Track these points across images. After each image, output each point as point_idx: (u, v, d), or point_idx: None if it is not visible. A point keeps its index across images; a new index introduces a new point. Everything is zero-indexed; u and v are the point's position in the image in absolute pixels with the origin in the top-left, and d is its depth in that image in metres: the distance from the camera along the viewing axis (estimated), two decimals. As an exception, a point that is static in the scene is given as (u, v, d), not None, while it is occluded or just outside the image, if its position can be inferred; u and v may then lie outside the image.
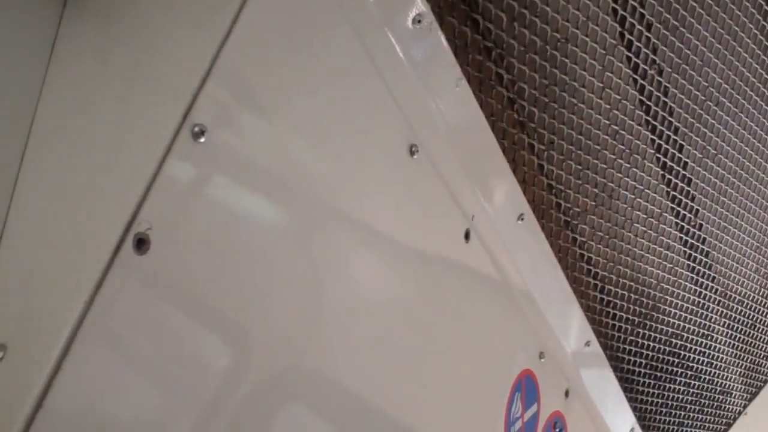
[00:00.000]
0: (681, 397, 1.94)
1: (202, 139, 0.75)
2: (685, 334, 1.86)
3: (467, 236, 1.19)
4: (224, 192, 0.79)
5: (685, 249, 1.75)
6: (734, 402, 2.21)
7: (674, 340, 1.83)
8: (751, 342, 2.16)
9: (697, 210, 1.73)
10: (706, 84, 1.59)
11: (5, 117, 0.87)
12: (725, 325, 2.01)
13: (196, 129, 0.75)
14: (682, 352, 1.88)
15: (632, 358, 1.71)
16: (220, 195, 0.79)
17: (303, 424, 0.92)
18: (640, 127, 1.50)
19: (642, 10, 1.40)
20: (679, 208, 1.68)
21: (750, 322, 2.11)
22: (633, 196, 1.54)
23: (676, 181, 1.64)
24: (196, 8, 0.81)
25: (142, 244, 0.71)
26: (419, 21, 1.05)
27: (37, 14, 0.91)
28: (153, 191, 0.72)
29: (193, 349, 0.79)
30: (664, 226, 1.65)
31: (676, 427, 1.98)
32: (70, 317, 0.68)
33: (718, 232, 1.82)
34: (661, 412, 1.90)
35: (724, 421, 2.20)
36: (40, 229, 0.82)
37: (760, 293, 2.10)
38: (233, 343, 0.83)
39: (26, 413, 0.66)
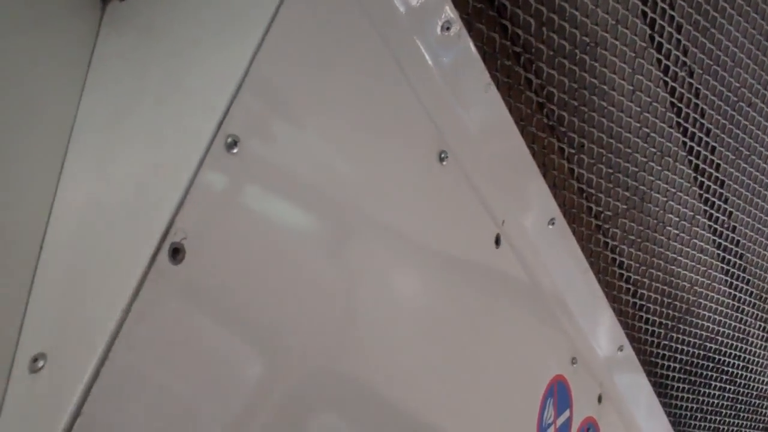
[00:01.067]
0: (716, 402, 1.92)
1: (236, 150, 0.76)
2: (720, 338, 1.84)
3: (497, 241, 1.19)
4: (257, 201, 0.80)
5: (719, 251, 1.73)
6: (771, 406, 2.18)
7: (708, 344, 1.81)
8: (788, 345, 2.13)
9: (731, 212, 1.71)
10: (738, 85, 1.57)
11: (45, 129, 0.89)
12: (760, 328, 1.98)
13: (230, 139, 0.76)
14: (717, 356, 1.86)
15: (666, 363, 1.70)
16: (253, 204, 0.80)
17: (329, 427, 0.93)
18: (671, 130, 1.49)
19: (672, 12, 1.40)
20: (712, 210, 1.66)
21: (786, 324, 2.08)
22: (665, 199, 1.52)
23: (709, 183, 1.62)
24: (229, 22, 0.83)
25: (177, 253, 0.72)
26: (448, 28, 1.05)
27: (74, 30, 0.93)
28: (188, 201, 0.73)
29: (227, 357, 0.79)
30: (697, 229, 1.64)
31: (711, 432, 1.96)
32: (108, 326, 0.69)
33: (751, 233, 1.79)
34: (696, 417, 1.88)
35: (761, 426, 2.17)
36: (79, 238, 0.83)
37: (796, 295, 2.07)
38: (268, 351, 0.83)
39: (65, 421, 0.67)
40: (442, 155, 1.07)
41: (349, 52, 0.90)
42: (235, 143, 0.76)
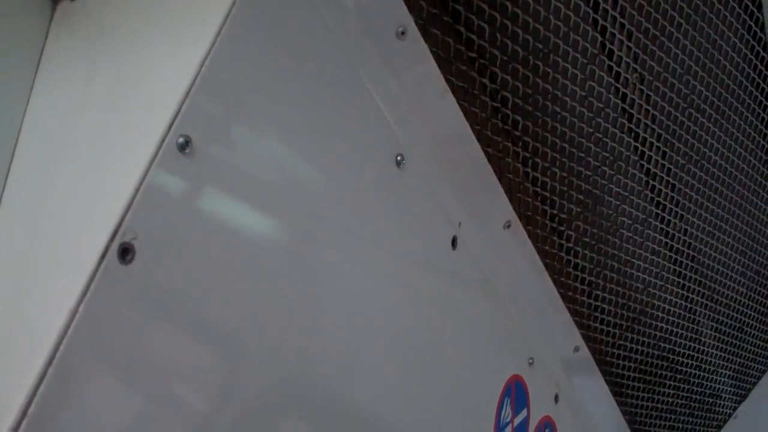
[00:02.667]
0: (671, 400, 1.96)
1: (188, 150, 0.77)
2: (674, 338, 1.88)
3: (454, 244, 1.21)
4: (211, 202, 0.81)
5: (671, 254, 1.78)
6: (724, 405, 2.22)
7: (663, 344, 1.85)
8: (739, 345, 2.18)
9: (682, 215, 1.75)
10: (687, 92, 1.62)
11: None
12: (713, 329, 2.03)
13: (181, 140, 0.76)
14: (671, 356, 1.90)
15: (621, 363, 1.73)
16: (207, 206, 0.80)
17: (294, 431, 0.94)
18: (623, 135, 1.52)
19: (623, 20, 1.43)
20: (663, 214, 1.70)
21: (737, 325, 2.14)
22: (618, 203, 1.56)
23: (660, 187, 1.66)
24: (181, 22, 0.83)
25: (126, 253, 0.72)
26: (403, 33, 1.07)
27: (24, 30, 0.93)
28: (138, 202, 0.73)
29: (180, 360, 0.80)
30: (649, 232, 1.68)
31: (666, 430, 2.00)
32: (55, 326, 0.69)
33: (702, 236, 1.84)
34: (652, 416, 1.91)
35: (715, 423, 2.22)
36: (26, 238, 0.83)
37: (747, 296, 2.12)
38: (220, 351, 0.84)
39: (10, 424, 0.66)
40: (399, 158, 1.09)
41: (305, 55, 0.91)
42: (187, 144, 0.77)
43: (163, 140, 0.75)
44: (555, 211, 1.46)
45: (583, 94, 1.41)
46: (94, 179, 0.79)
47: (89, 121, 0.86)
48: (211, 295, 0.81)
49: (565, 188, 1.45)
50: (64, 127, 0.88)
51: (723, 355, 2.13)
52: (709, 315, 1.99)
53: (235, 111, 0.82)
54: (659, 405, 1.92)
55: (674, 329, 1.86)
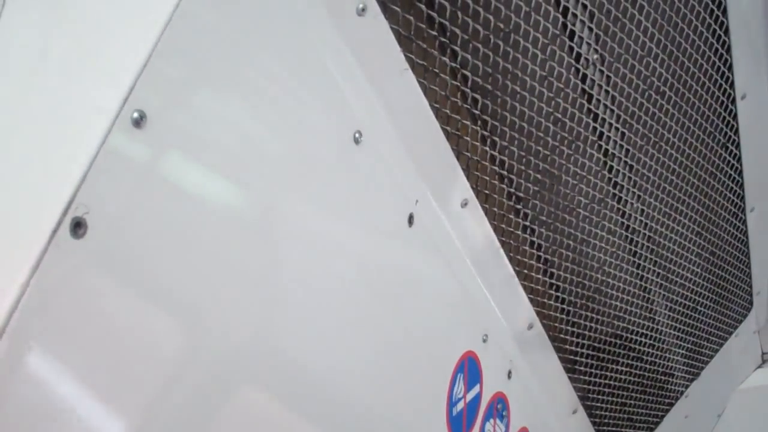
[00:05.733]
0: (623, 378, 2.00)
1: (143, 124, 0.76)
2: (628, 317, 1.91)
3: (410, 221, 1.22)
4: (166, 176, 0.80)
5: (627, 234, 1.80)
6: (676, 383, 2.27)
7: (617, 323, 1.88)
8: (693, 325, 2.23)
9: (639, 195, 1.78)
10: (647, 74, 1.63)
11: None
12: (667, 308, 2.07)
13: (136, 114, 0.76)
14: (625, 334, 1.93)
15: (575, 340, 1.76)
16: (162, 180, 0.80)
17: (248, 401, 0.95)
18: (582, 115, 1.54)
19: (584, 1, 1.44)
20: (621, 194, 1.72)
21: (692, 305, 2.18)
22: (575, 182, 1.58)
23: (618, 168, 1.68)
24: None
25: (79, 227, 0.72)
26: (363, 9, 1.07)
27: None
28: (91, 176, 0.72)
29: (136, 333, 0.80)
30: (606, 212, 1.70)
31: (619, 407, 2.04)
32: (6, 300, 0.69)
33: (659, 217, 1.87)
34: (604, 393, 1.95)
35: (666, 401, 2.27)
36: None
37: (702, 277, 2.17)
38: (176, 323, 0.84)
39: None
40: (357, 135, 1.09)
41: (264, 31, 0.91)
42: (142, 117, 0.76)
43: (117, 114, 0.74)
44: (513, 190, 1.47)
45: (544, 74, 1.42)
46: (47, 153, 0.78)
47: (43, 95, 0.84)
48: (166, 268, 0.81)
49: (523, 167, 1.46)
50: (17, 100, 0.86)
51: (676, 334, 2.17)
52: (664, 295, 2.03)
53: (192, 85, 0.82)
54: (612, 382, 1.96)
55: (629, 308, 1.90)
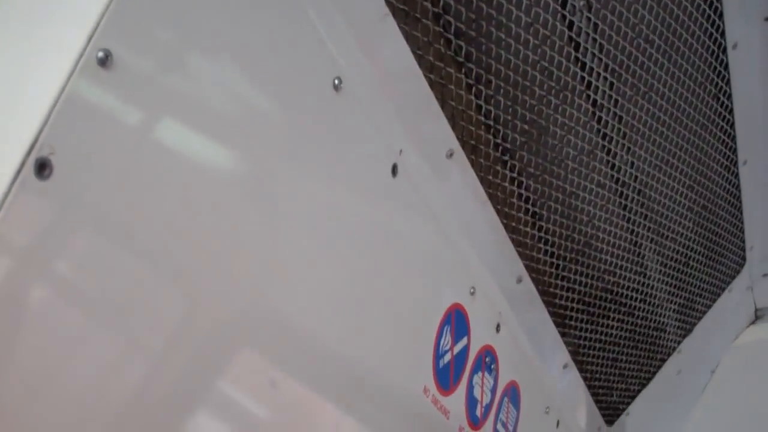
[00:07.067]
0: (615, 333, 1.99)
1: (109, 64, 0.74)
2: (619, 271, 1.90)
3: (394, 171, 1.20)
4: (133, 119, 0.78)
5: (617, 186, 1.78)
6: (668, 338, 2.27)
7: (607, 277, 1.87)
8: (685, 279, 2.22)
9: (629, 147, 1.75)
10: (636, 21, 1.60)
11: None
12: (658, 262, 2.06)
13: (101, 54, 0.73)
14: (616, 289, 1.92)
15: (565, 294, 1.75)
16: (127, 121, 0.78)
17: (234, 352, 0.94)
18: (569, 64, 1.51)
19: (571, -55, 1.40)
20: (610, 146, 1.70)
21: (683, 259, 2.17)
22: (563, 133, 1.55)
23: (607, 118, 1.65)
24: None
25: (43, 168, 0.70)
26: (342, -48, 1.04)
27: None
28: (55, 116, 0.71)
29: (99, 275, 0.78)
30: (595, 164, 1.68)
31: (610, 362, 2.04)
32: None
33: (649, 169, 1.85)
34: (595, 347, 1.95)
35: (659, 357, 2.27)
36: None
37: (693, 231, 2.15)
38: (143, 271, 0.82)
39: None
40: (337, 82, 1.06)
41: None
42: (107, 57, 0.74)
43: (81, 54, 0.72)
44: (499, 141, 1.45)
45: (529, 20, 1.38)
46: (11, 93, 0.76)
47: (9, 33, 0.82)
48: (132, 212, 0.79)
49: (509, 117, 1.44)
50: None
51: (668, 289, 2.16)
52: (655, 249, 2.01)
53: (162, 24, 0.79)
54: (603, 337, 1.95)
55: (619, 262, 1.89)
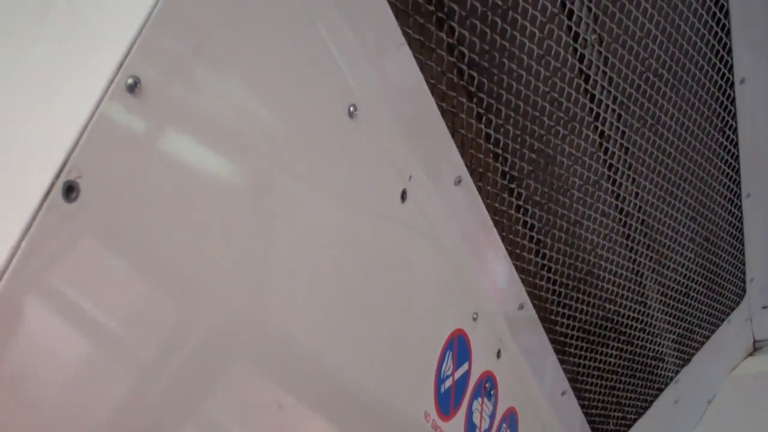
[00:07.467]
0: (613, 361, 2.00)
1: (138, 90, 0.76)
2: (620, 300, 1.91)
3: (403, 197, 1.21)
4: (159, 144, 0.80)
5: (621, 216, 1.80)
6: (666, 368, 2.28)
7: (608, 305, 1.88)
8: (685, 310, 2.23)
9: (634, 178, 1.77)
10: (646, 55, 1.62)
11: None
12: (659, 292, 2.07)
13: (131, 80, 0.75)
14: (616, 318, 1.93)
15: (566, 322, 1.76)
16: (154, 147, 0.80)
17: (238, 374, 0.95)
18: (578, 96, 1.53)
19: (584, -20, 1.43)
20: (615, 176, 1.71)
21: (684, 290, 2.18)
22: (570, 163, 1.57)
23: (613, 149, 1.67)
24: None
25: (71, 191, 0.72)
26: (361, -16, 1.06)
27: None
28: (84, 140, 0.72)
29: (124, 298, 0.79)
30: (600, 193, 1.69)
31: (608, 391, 2.04)
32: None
33: (653, 200, 1.86)
34: (593, 375, 1.95)
35: (656, 386, 2.27)
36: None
37: (694, 262, 2.16)
38: (166, 292, 0.84)
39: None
40: (352, 109, 1.08)
41: (264, 1, 0.90)
42: (136, 84, 0.76)
43: (112, 80, 0.74)
44: (507, 169, 1.46)
45: (541, 52, 1.40)
46: (41, 116, 0.78)
47: (41, 57, 0.84)
48: (158, 236, 0.81)
49: (518, 146, 1.45)
50: (14, 61, 0.86)
51: (668, 319, 2.17)
52: (656, 279, 2.02)
53: (189, 52, 0.81)
54: (601, 365, 1.96)
55: (620, 291, 1.90)
